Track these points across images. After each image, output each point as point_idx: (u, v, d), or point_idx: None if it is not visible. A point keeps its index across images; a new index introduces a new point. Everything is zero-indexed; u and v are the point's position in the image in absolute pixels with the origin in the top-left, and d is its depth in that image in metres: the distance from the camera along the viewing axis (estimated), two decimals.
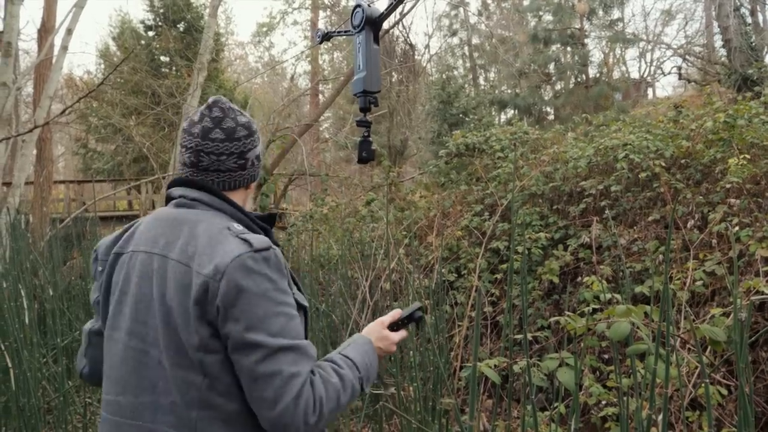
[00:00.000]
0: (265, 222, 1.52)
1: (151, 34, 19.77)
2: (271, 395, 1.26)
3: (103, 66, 20.16)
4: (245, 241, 1.33)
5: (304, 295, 1.50)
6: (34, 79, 10.99)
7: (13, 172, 8.07)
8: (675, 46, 21.80)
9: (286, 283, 1.36)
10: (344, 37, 2.10)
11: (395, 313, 1.65)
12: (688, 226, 4.56)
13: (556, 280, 4.83)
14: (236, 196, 1.51)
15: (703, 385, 1.82)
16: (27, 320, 3.48)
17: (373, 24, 1.88)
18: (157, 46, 19.03)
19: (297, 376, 1.27)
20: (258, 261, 1.31)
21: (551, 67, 20.23)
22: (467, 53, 24.91)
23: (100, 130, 19.40)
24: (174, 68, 18.96)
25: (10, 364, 3.09)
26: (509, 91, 21.97)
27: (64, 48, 7.96)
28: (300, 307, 1.42)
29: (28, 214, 8.73)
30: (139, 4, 21.91)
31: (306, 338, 1.41)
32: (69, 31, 7.91)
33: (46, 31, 10.43)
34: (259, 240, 1.35)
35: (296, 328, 1.34)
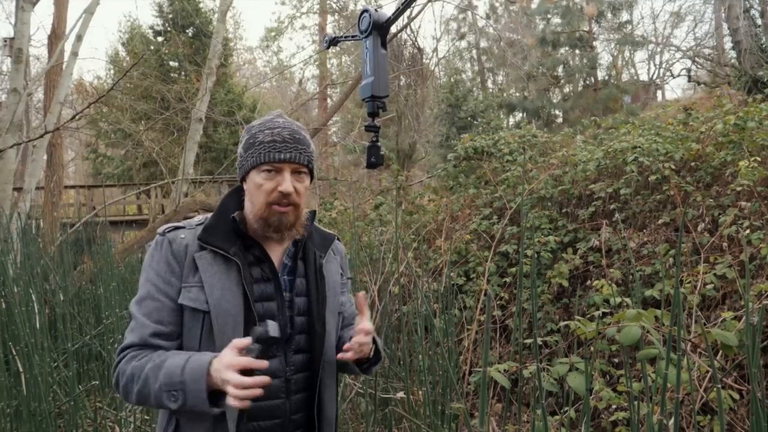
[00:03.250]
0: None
1: (160, 39, 19.93)
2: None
3: (112, 71, 20.31)
4: None
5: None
6: (45, 85, 11.05)
7: (24, 177, 8.14)
8: (684, 48, 21.76)
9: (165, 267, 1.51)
10: (351, 41, 2.10)
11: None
12: (699, 229, 4.52)
13: (565, 283, 4.81)
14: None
15: (714, 389, 1.81)
16: (38, 325, 3.50)
17: (380, 29, 1.88)
18: (167, 51, 19.17)
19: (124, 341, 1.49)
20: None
21: (560, 70, 20.22)
22: (475, 57, 24.95)
23: (110, 135, 19.56)
24: (183, 73, 19.09)
25: (21, 369, 3.10)
26: (518, 94, 21.97)
27: (75, 54, 8.01)
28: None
29: (39, 218, 8.77)
30: (148, 10, 22.03)
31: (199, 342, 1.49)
32: (79, 37, 7.97)
33: (56, 37, 10.48)
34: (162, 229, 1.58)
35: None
